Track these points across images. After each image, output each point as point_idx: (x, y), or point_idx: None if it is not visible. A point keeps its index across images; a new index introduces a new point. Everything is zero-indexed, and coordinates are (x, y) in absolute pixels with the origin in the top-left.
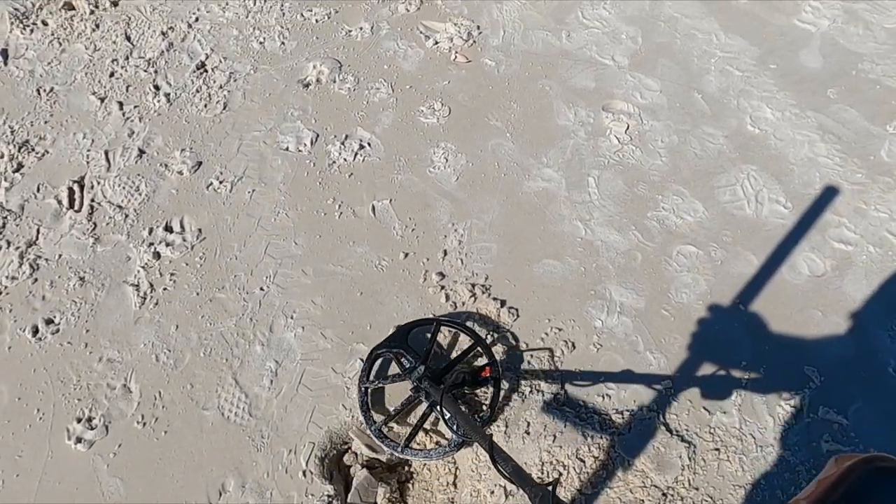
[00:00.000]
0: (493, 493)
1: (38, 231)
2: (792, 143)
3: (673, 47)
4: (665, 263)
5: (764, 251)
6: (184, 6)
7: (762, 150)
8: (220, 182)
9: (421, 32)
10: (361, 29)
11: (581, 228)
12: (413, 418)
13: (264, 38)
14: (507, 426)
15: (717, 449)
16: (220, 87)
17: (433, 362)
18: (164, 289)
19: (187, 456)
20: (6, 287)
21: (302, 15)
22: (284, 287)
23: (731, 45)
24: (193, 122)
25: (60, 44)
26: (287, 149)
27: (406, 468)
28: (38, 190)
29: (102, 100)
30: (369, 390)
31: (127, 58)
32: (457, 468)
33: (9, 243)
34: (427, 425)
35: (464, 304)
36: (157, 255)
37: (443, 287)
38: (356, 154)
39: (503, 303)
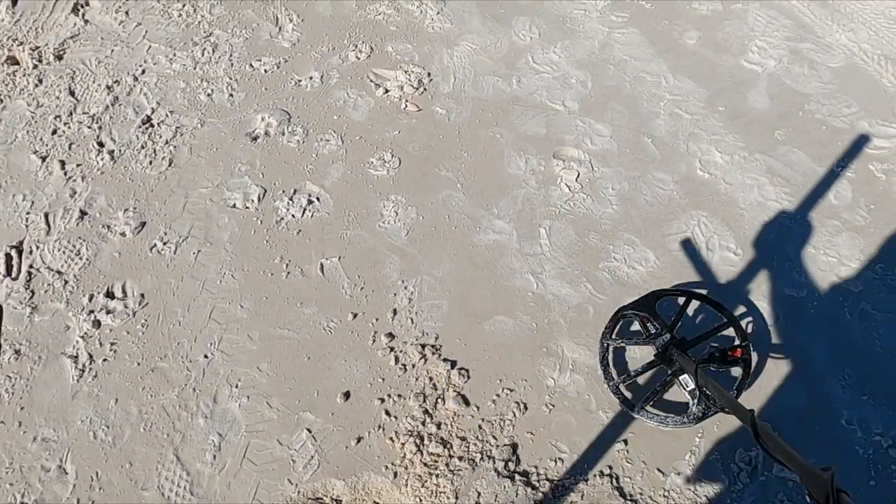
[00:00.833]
0: None
1: None
2: (741, 188)
3: (622, 91)
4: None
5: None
6: (130, 58)
7: (712, 196)
8: (165, 243)
9: (371, 81)
10: (311, 78)
11: (533, 282)
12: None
13: (212, 90)
14: (456, 497)
15: None
16: (167, 142)
17: (678, 333)
18: (104, 360)
19: None
20: None
21: (251, 65)
22: (229, 354)
23: (680, 87)
24: (138, 179)
25: (1, 101)
26: (234, 206)
27: None
28: None
29: (44, 158)
30: (611, 347)
31: (70, 114)
32: None
33: None
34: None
35: (414, 366)
36: (98, 324)
37: (392, 349)
38: (304, 210)
39: (454, 364)
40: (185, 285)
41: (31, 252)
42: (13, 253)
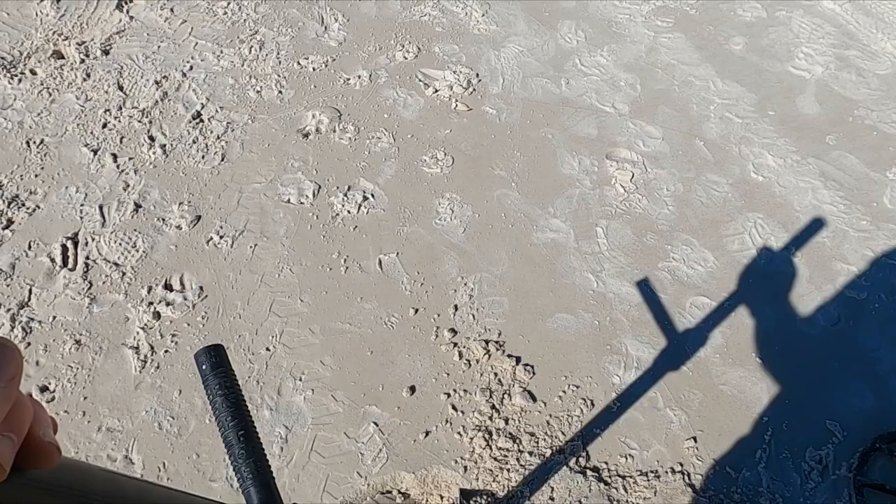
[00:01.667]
0: None
1: (30, 291)
2: (796, 191)
3: (671, 94)
4: (679, 315)
5: (776, 301)
6: (177, 55)
7: (767, 198)
8: (221, 237)
9: (420, 80)
10: (360, 77)
11: (592, 281)
12: None
13: (261, 87)
14: (531, 493)
15: None
16: (218, 137)
17: None
18: (166, 351)
19: None
20: None
21: (299, 63)
22: (291, 347)
23: (729, 92)
24: (191, 174)
25: (50, 94)
26: (289, 201)
27: None
28: (30, 248)
29: (95, 152)
30: (863, 488)
31: (120, 108)
32: None
33: (0, 305)
34: None
35: (478, 361)
36: (158, 315)
37: (455, 344)
38: (360, 206)
39: (518, 360)
40: (244, 279)
41: (86, 244)
42: (69, 244)
